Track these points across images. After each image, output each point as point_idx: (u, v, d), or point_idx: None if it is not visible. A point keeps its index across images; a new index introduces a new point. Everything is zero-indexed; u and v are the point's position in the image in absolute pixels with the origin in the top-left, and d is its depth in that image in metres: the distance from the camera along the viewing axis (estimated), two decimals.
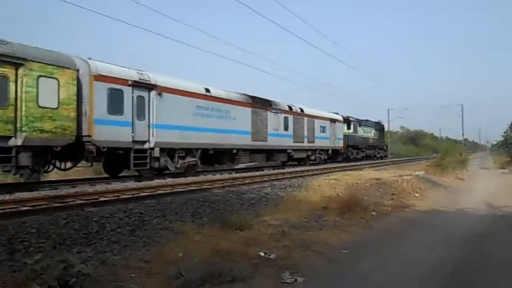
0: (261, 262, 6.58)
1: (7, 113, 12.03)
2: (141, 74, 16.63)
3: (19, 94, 12.28)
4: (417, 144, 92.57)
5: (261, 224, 9.44)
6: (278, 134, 26.37)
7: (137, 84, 16.14)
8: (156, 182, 15.19)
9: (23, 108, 12.35)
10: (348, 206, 11.18)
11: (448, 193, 17.62)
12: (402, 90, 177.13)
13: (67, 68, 13.77)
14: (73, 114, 13.77)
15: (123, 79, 15.65)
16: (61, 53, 14.27)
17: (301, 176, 19.81)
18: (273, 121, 25.92)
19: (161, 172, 18.51)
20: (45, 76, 13.00)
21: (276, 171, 23.13)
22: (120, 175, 17.75)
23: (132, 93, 15.95)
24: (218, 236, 7.83)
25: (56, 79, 13.31)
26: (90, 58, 14.98)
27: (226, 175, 18.85)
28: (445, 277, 6.37)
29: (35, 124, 12.59)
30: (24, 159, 12.49)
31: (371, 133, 44.52)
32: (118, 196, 11.36)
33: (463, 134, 79.42)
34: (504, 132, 78.10)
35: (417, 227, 10.23)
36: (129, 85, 15.74)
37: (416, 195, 15.53)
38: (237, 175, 19.36)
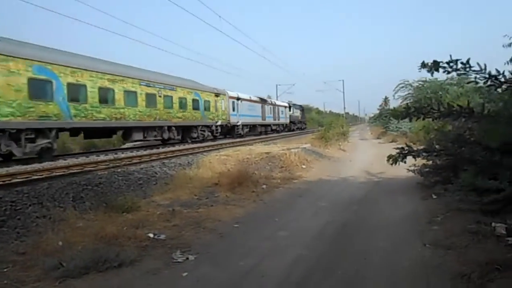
0: (150, 244, 6.34)
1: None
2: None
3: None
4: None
5: (149, 205, 9.14)
6: (269, 117, 47.31)
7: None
8: (31, 166, 13.96)
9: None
10: (239, 181, 11.24)
11: (332, 164, 18.46)
12: (289, 66, 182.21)
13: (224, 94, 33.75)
14: None
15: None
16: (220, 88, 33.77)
17: (191, 154, 19.51)
18: (267, 110, 46.44)
19: None
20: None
21: (166, 149, 22.57)
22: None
23: None
24: (103, 221, 7.39)
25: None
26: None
27: (111, 156, 17.94)
28: (327, 238, 6.76)
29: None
30: None
31: (298, 113, 63.65)
32: None
33: (344, 107, 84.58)
34: (380, 106, 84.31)
35: (305, 196, 10.56)
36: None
37: (303, 166, 16.04)
38: (123, 155, 18.58)
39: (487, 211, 6.70)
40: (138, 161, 16.19)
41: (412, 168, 10.90)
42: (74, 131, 19.24)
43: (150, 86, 23.81)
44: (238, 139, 32.97)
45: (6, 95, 14.47)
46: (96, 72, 19.23)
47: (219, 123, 33.33)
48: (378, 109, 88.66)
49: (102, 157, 17.89)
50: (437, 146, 9.06)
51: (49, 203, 8.83)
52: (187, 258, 5.77)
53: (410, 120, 6.41)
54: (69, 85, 17.41)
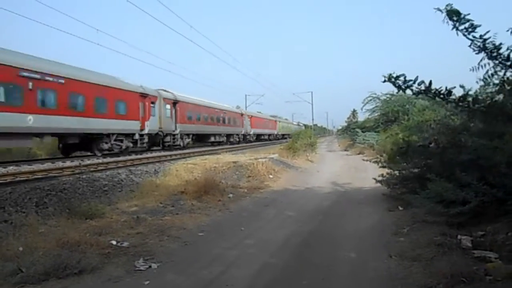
0: (113, 251, 6.23)
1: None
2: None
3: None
4: None
5: (114, 212, 9.02)
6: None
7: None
8: None
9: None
10: (205, 189, 11.20)
11: (299, 174, 18.59)
12: (258, 77, 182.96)
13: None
14: None
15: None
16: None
17: (159, 162, 19.35)
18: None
19: None
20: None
21: (133, 156, 22.31)
22: None
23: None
24: (65, 227, 7.28)
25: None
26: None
27: (76, 162, 17.57)
28: (293, 248, 6.78)
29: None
30: None
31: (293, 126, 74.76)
32: None
33: (312, 119, 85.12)
34: (348, 118, 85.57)
35: (271, 206, 10.59)
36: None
37: (271, 176, 16.09)
38: (89, 161, 18.24)
39: (453, 224, 6.84)
40: (104, 167, 15.96)
41: (379, 178, 11.08)
42: None
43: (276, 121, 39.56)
44: (209, 148, 32.70)
45: None
46: None
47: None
48: (346, 121, 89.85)
49: (68, 163, 17.53)
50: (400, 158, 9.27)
51: (11, 208, 8.62)
52: (150, 266, 5.70)
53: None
54: None
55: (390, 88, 37.78)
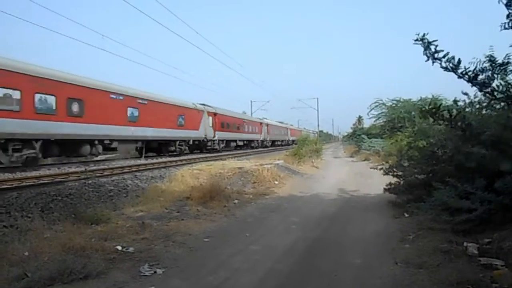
0: (118, 257, 6.22)
1: None
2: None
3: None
4: None
5: (119, 217, 9.00)
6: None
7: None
8: (1, 176, 13.68)
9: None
10: (210, 195, 11.19)
11: (305, 180, 18.55)
12: (264, 84, 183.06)
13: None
14: None
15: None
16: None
17: (164, 167, 19.42)
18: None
19: None
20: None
21: (138, 161, 22.40)
22: None
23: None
24: (71, 232, 7.24)
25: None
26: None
27: (82, 168, 17.66)
28: (298, 254, 6.73)
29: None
30: None
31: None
32: None
33: (318, 125, 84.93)
34: (353, 124, 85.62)
35: (276, 212, 10.57)
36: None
37: (276, 182, 16.07)
38: (95, 167, 18.32)
39: (459, 231, 6.78)
40: (109, 173, 16.04)
41: (385, 186, 11.05)
42: None
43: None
44: (214, 154, 32.91)
45: None
46: None
47: None
48: (352, 127, 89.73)
49: (74, 168, 17.63)
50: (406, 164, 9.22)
51: (17, 212, 8.68)
52: (155, 272, 5.68)
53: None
54: None
55: (395, 94, 37.76)
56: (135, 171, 17.25)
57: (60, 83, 19.21)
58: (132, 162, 22.59)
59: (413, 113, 29.15)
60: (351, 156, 38.68)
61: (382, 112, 36.98)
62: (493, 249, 5.83)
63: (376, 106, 37.23)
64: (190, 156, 29.09)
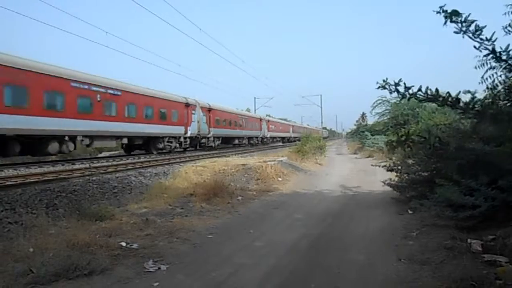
0: (122, 253, 6.26)
1: None
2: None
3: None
4: None
5: (123, 214, 9.06)
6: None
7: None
8: (5, 173, 13.74)
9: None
10: (214, 191, 11.22)
11: (308, 177, 18.55)
12: (267, 80, 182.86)
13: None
14: None
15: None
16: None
17: (168, 164, 19.43)
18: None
19: None
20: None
21: (142, 159, 22.47)
22: None
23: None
24: (75, 228, 7.31)
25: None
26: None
27: (86, 164, 17.71)
28: (302, 251, 6.74)
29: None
30: None
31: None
32: None
33: (322, 122, 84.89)
34: (357, 121, 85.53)
35: (280, 209, 10.57)
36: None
37: (279, 179, 16.08)
38: (99, 163, 18.38)
39: (462, 227, 6.78)
40: (114, 170, 16.07)
41: (388, 182, 11.03)
42: None
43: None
44: (217, 151, 32.96)
45: None
46: None
47: None
48: (355, 124, 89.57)
49: (78, 165, 17.69)
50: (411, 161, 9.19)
51: (22, 209, 8.73)
52: (159, 268, 5.72)
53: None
54: None
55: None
56: (139, 167, 17.27)
57: None
58: (136, 159, 22.63)
59: (416, 109, 28.99)
60: (354, 153, 38.58)
61: (386, 109, 36.79)
62: (497, 246, 5.82)
63: (380, 103, 37.02)
64: (193, 153, 29.11)
